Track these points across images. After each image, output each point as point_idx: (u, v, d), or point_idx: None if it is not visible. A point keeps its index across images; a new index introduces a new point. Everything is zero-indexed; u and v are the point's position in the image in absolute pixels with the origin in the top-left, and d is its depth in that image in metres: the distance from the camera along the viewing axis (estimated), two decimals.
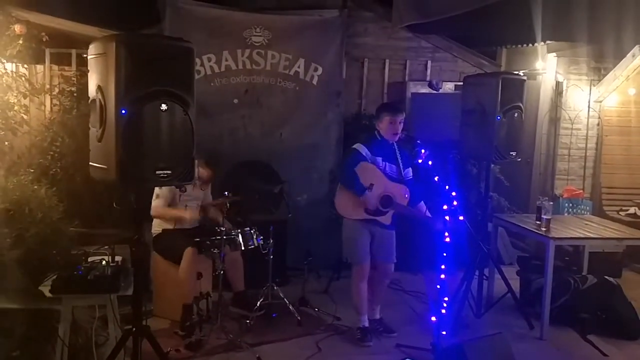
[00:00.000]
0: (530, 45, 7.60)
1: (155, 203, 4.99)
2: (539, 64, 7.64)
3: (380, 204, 4.61)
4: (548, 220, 5.10)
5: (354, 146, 4.68)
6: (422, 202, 4.82)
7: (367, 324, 4.83)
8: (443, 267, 4.44)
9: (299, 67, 6.65)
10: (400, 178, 4.73)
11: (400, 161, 4.73)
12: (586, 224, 5.53)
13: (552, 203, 5.42)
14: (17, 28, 5.28)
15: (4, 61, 5.29)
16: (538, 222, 5.19)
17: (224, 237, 4.71)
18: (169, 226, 5.09)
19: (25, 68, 5.87)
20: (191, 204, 5.13)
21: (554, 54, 7.43)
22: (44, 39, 5.51)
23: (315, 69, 6.68)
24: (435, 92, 7.27)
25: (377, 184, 4.58)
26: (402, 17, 6.21)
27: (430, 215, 4.74)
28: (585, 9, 6.00)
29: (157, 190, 4.95)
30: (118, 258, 4.07)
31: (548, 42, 7.35)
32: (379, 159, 4.66)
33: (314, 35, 6.67)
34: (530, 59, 7.81)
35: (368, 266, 4.74)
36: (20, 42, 5.25)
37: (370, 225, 4.71)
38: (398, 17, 6.31)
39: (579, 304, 5.23)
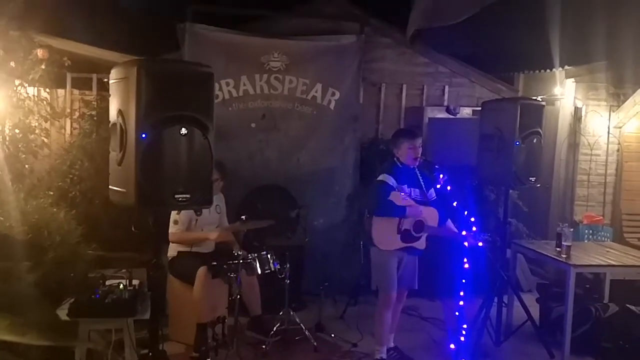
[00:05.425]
0: (548, 70, 7.59)
1: (174, 229, 4.99)
2: (557, 90, 7.62)
3: (414, 230, 4.57)
4: (568, 247, 5.04)
5: (380, 177, 4.60)
6: (449, 220, 4.77)
7: (385, 356, 4.76)
8: (462, 293, 4.40)
9: (316, 91, 6.68)
10: (426, 200, 4.69)
11: (422, 184, 4.70)
12: (607, 251, 5.45)
13: (572, 229, 5.35)
14: (40, 53, 5.36)
15: (26, 85, 5.37)
16: (558, 249, 5.13)
17: (241, 262, 4.69)
18: (185, 249, 5.09)
19: (47, 92, 5.94)
20: (207, 229, 5.13)
21: (572, 79, 7.40)
22: (66, 64, 5.59)
23: (333, 94, 6.71)
24: (452, 117, 7.27)
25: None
26: (416, 22, 6.25)
27: (459, 232, 4.67)
28: (603, 35, 5.99)
29: (174, 216, 4.95)
30: (135, 282, 4.06)
31: (566, 67, 7.33)
32: (405, 187, 4.62)
33: (332, 61, 6.71)
34: (548, 85, 7.79)
35: (395, 294, 4.67)
36: (43, 66, 5.32)
37: (400, 252, 4.66)
38: (412, 24, 6.35)
39: (601, 332, 5.13)
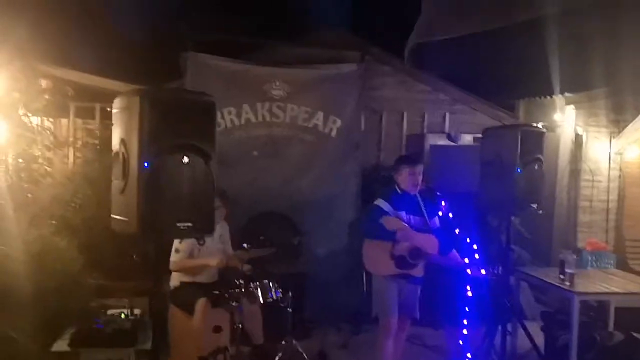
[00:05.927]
0: (549, 97, 7.63)
1: (176, 257, 4.96)
2: (557, 116, 7.65)
3: (410, 257, 4.52)
4: (572, 275, 5.00)
5: (375, 202, 4.60)
6: (454, 250, 4.69)
7: None
8: (465, 322, 4.37)
9: (317, 119, 6.72)
10: (427, 228, 4.61)
11: (425, 212, 4.65)
12: (611, 278, 5.42)
13: (575, 256, 5.32)
14: (44, 83, 5.40)
15: (30, 115, 5.38)
16: (562, 276, 5.09)
17: (243, 290, 4.67)
18: (187, 279, 5.06)
19: (50, 121, 5.97)
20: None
21: (573, 106, 7.44)
22: (69, 94, 5.62)
23: (334, 122, 6.74)
24: (453, 144, 7.28)
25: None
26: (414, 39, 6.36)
27: (464, 262, 4.62)
28: (602, 62, 6.05)
29: (176, 245, 4.93)
30: (137, 311, 4.04)
31: (566, 94, 7.37)
32: (402, 213, 4.58)
33: (333, 89, 6.76)
34: (548, 111, 7.82)
35: (396, 322, 4.59)
36: (47, 96, 5.35)
37: (399, 279, 4.60)
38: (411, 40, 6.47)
39: None
